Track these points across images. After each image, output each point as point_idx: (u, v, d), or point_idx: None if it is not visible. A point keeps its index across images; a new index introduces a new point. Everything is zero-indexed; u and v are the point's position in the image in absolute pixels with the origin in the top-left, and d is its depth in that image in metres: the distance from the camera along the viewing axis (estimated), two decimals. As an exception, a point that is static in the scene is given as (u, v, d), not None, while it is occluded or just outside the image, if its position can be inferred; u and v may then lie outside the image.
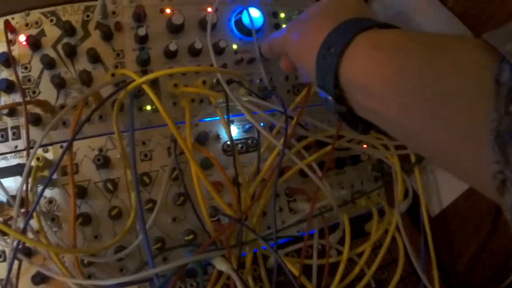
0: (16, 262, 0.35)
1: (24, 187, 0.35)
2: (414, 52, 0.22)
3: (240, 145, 0.44)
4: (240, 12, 0.45)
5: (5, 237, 0.36)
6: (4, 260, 0.39)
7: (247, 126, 0.45)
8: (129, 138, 0.35)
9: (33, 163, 0.37)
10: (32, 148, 0.40)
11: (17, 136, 0.41)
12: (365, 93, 0.24)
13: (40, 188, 0.38)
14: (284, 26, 0.47)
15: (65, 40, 0.41)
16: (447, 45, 0.21)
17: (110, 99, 0.37)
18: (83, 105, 0.36)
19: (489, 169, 0.17)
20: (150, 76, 0.35)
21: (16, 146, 0.41)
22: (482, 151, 0.18)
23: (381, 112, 0.24)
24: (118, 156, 0.40)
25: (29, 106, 0.40)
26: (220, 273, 0.38)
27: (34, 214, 0.35)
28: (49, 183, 0.37)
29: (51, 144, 0.40)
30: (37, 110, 0.40)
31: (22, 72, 0.41)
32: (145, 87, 0.36)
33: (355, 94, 0.25)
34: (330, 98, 0.27)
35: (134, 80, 0.37)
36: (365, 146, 0.46)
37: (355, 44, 0.25)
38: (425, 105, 0.21)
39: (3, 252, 0.39)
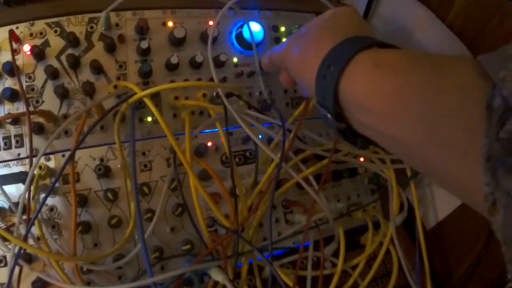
0: (17, 268, 0.36)
1: (27, 195, 0.37)
2: (414, 72, 0.23)
3: (238, 158, 0.45)
4: (241, 26, 0.46)
5: (7, 243, 0.37)
6: (5, 265, 0.40)
7: (245, 138, 0.45)
8: (130, 149, 0.36)
9: (36, 171, 0.38)
10: (35, 156, 0.41)
11: (20, 144, 0.41)
12: (365, 111, 0.25)
13: (42, 196, 0.39)
14: (284, 39, 0.48)
15: (69, 51, 0.42)
16: (446, 66, 0.22)
17: (110, 112, 0.38)
18: (86, 116, 0.37)
19: (482, 189, 0.18)
20: (151, 90, 0.36)
21: (19, 154, 0.41)
22: (476, 172, 0.18)
23: (380, 130, 0.25)
24: (119, 166, 0.41)
25: (32, 116, 0.41)
26: (216, 283, 0.39)
27: (36, 222, 0.36)
28: (51, 191, 0.37)
29: (53, 153, 0.41)
30: (40, 120, 0.41)
31: (26, 82, 0.42)
32: (146, 100, 0.37)
33: (355, 112, 0.26)
34: (329, 115, 0.27)
35: (135, 93, 0.38)
36: (362, 159, 0.47)
37: (355, 62, 0.25)
38: (423, 125, 0.22)
39: (4, 257, 0.40)
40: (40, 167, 0.39)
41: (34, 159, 0.37)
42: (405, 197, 0.46)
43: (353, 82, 0.25)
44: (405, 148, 0.24)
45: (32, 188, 0.37)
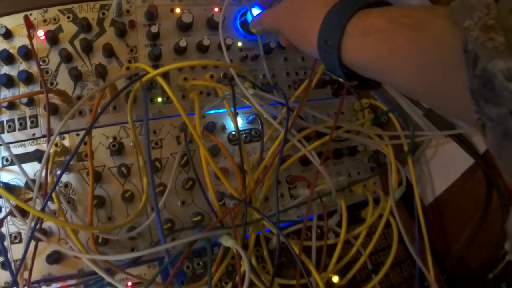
0: (32, 244, 0.38)
1: (43, 174, 0.38)
2: (398, 34, 0.26)
3: (244, 136, 0.47)
4: (245, 13, 0.49)
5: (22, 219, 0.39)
6: (20, 241, 0.41)
7: (250, 118, 0.48)
8: (144, 126, 0.38)
9: (52, 148, 0.40)
10: (52, 135, 0.43)
11: (35, 125, 0.43)
12: (367, 71, 0.30)
13: (58, 171, 0.41)
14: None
15: (82, 36, 0.44)
16: (424, 22, 0.25)
17: (123, 91, 0.40)
18: (101, 96, 0.39)
19: (472, 116, 0.21)
20: (164, 68, 0.38)
21: (33, 134, 0.43)
22: (466, 102, 0.21)
23: (382, 80, 0.30)
24: (131, 143, 0.43)
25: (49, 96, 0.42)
26: (225, 253, 0.41)
27: (54, 195, 0.38)
28: (66, 168, 0.39)
29: (67, 132, 0.43)
30: (55, 100, 0.43)
31: (41, 65, 0.44)
32: (159, 78, 0.39)
33: (360, 72, 0.30)
34: (341, 80, 0.31)
35: (146, 74, 0.40)
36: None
37: (347, 34, 0.28)
38: (414, 75, 0.26)
39: (19, 234, 0.41)
40: (56, 144, 0.40)
41: (52, 137, 0.39)
42: (404, 174, 0.48)
43: (350, 52, 0.29)
44: (407, 92, 0.30)
45: (49, 163, 0.39)
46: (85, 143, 0.40)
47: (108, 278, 0.36)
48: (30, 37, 0.41)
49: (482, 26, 0.19)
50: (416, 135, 0.47)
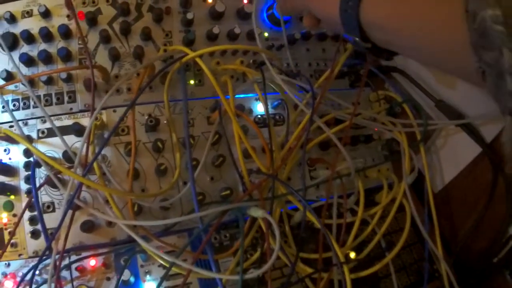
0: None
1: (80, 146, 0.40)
2: None
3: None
4: (271, 6, 0.52)
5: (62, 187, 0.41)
6: (53, 211, 0.43)
7: (275, 103, 0.51)
8: (183, 105, 0.41)
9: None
10: (87, 111, 0.45)
11: (72, 100, 0.46)
12: (383, 30, 0.33)
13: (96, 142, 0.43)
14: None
15: (121, 19, 0.47)
16: None
17: (164, 70, 0.43)
18: (144, 74, 0.42)
19: (473, 65, 0.26)
20: (204, 50, 0.41)
21: (71, 109, 0.46)
22: (468, 54, 0.26)
23: (396, 40, 0.33)
24: (165, 121, 0.46)
25: (87, 73, 0.45)
26: (252, 224, 0.43)
27: (95, 164, 0.40)
28: (106, 141, 0.42)
29: (104, 108, 0.45)
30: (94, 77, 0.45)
31: (79, 44, 0.47)
32: (198, 60, 0.42)
33: (376, 32, 0.34)
34: (357, 39, 0.35)
35: (183, 56, 0.43)
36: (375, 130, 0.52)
37: None
38: (426, 31, 0.30)
39: (52, 203, 0.43)
40: (96, 118, 0.43)
41: (95, 112, 0.41)
42: (416, 161, 0.52)
43: (370, 11, 0.33)
44: (417, 51, 0.33)
45: (91, 135, 0.41)
46: (122, 119, 0.42)
47: (145, 244, 0.38)
48: (76, 15, 0.44)
49: None
50: (428, 124, 0.50)
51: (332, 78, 0.46)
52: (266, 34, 0.52)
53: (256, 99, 0.50)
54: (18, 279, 0.42)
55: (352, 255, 0.46)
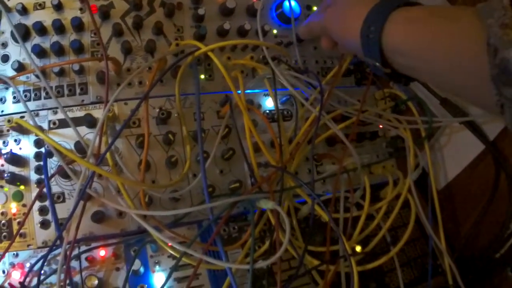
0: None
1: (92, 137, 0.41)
2: (435, 24, 0.31)
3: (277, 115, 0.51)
4: (280, 4, 0.53)
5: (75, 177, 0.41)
6: (63, 201, 0.44)
7: (283, 99, 0.52)
8: (196, 98, 0.42)
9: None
10: (98, 103, 0.46)
11: (84, 92, 0.46)
12: (404, 56, 0.33)
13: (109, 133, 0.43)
14: (315, 8, 0.55)
15: (134, 13, 0.48)
16: (457, 16, 0.30)
17: (177, 63, 0.44)
18: (157, 67, 0.43)
19: (493, 98, 0.26)
20: (216, 45, 0.42)
21: (82, 100, 0.46)
22: (488, 87, 0.26)
23: (417, 67, 0.33)
24: (176, 115, 0.46)
25: (100, 65, 0.46)
26: (260, 217, 0.44)
27: (108, 154, 0.41)
28: (120, 132, 0.42)
29: (116, 101, 0.46)
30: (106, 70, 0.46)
31: (92, 37, 0.47)
32: (210, 54, 0.42)
33: (396, 58, 0.34)
34: (378, 64, 0.35)
35: (194, 51, 0.43)
36: (381, 126, 0.53)
37: (390, 21, 0.33)
38: (447, 60, 0.30)
39: (62, 193, 0.44)
40: (109, 110, 0.43)
41: (108, 104, 0.42)
42: (420, 158, 0.53)
43: (392, 37, 0.33)
44: (437, 77, 0.33)
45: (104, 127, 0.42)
46: (136, 111, 0.43)
47: (157, 234, 0.38)
48: (90, 9, 0.44)
49: (500, 24, 0.25)
50: (433, 121, 0.51)
51: (340, 74, 0.47)
52: (274, 31, 0.53)
53: (265, 95, 0.51)
54: (26, 269, 0.43)
55: (358, 248, 0.47)
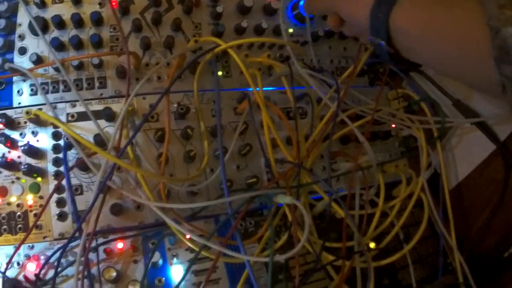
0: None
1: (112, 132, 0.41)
2: (438, 8, 0.33)
3: (292, 113, 0.51)
4: (297, 3, 0.54)
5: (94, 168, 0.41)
6: (81, 193, 0.44)
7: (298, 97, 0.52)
8: (216, 94, 0.42)
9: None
10: (118, 97, 0.46)
11: (103, 85, 0.47)
12: (407, 36, 0.35)
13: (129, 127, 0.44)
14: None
15: (153, 9, 0.48)
16: (457, 1, 0.32)
17: (197, 59, 0.44)
18: (177, 63, 0.43)
19: (494, 78, 0.28)
20: (236, 42, 0.43)
21: (101, 94, 0.47)
22: (490, 67, 0.28)
23: (419, 48, 0.35)
24: (194, 110, 0.47)
25: (115, 61, 0.46)
26: (276, 212, 0.44)
27: (129, 148, 0.41)
28: (141, 125, 0.42)
29: (135, 95, 0.46)
30: (125, 65, 0.46)
31: (110, 32, 0.48)
32: (230, 51, 0.43)
33: (401, 37, 0.36)
34: (383, 42, 0.36)
35: (213, 48, 0.44)
36: (393, 126, 0.54)
37: (398, 4, 0.35)
38: (448, 42, 0.32)
39: (80, 186, 0.44)
40: (129, 104, 0.44)
41: (129, 98, 0.42)
42: (433, 157, 0.53)
43: (398, 18, 0.35)
44: (436, 58, 0.35)
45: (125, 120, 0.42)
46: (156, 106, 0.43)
47: (177, 226, 0.39)
48: (111, 3, 0.45)
49: (498, 6, 0.26)
50: (445, 121, 0.52)
51: (355, 73, 0.48)
52: (291, 30, 0.54)
53: (280, 92, 0.52)
54: (42, 261, 0.43)
55: (372, 245, 0.48)
